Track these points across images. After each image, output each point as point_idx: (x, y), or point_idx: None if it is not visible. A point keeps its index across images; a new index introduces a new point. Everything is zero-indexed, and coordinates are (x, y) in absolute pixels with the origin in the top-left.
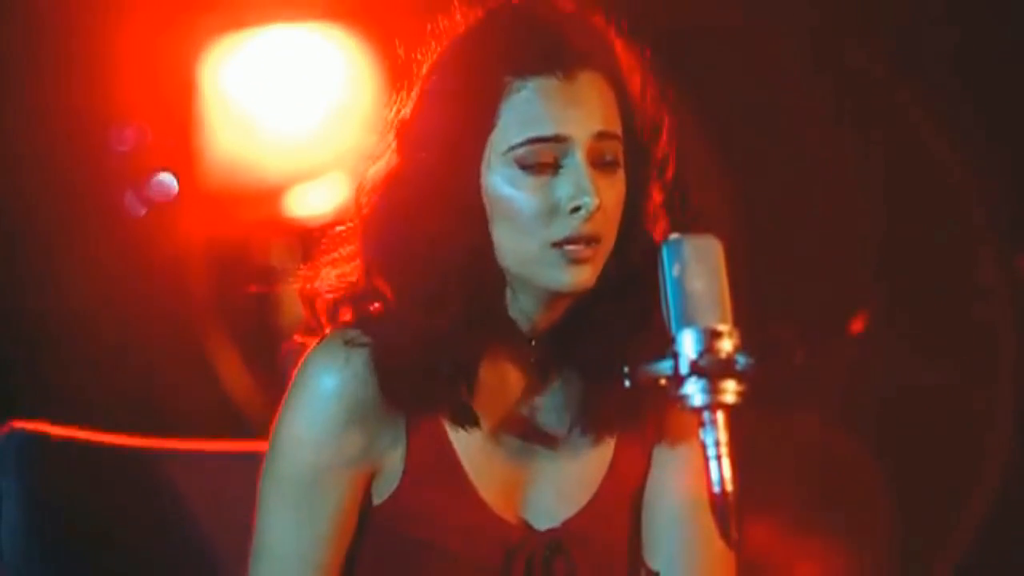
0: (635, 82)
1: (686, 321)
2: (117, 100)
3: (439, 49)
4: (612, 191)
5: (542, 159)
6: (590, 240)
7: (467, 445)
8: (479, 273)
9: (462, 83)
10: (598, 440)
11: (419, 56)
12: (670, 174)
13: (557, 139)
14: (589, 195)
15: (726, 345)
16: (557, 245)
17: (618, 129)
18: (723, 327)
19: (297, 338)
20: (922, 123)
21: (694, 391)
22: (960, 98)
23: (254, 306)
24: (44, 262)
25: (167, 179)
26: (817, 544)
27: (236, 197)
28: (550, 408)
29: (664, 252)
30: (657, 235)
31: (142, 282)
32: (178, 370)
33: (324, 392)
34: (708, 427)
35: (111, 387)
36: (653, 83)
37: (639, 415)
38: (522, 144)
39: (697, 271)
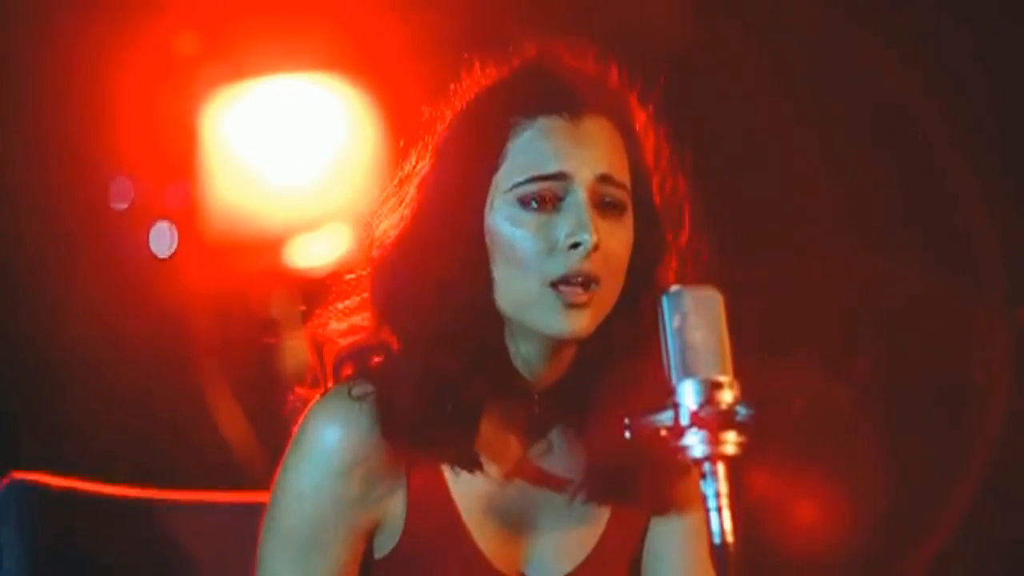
0: (648, 138)
1: (686, 372)
2: (118, 150)
3: (456, 103)
4: (616, 237)
5: (543, 197)
6: (587, 280)
7: (468, 500)
8: (480, 315)
9: (471, 126)
10: (597, 498)
11: (431, 112)
12: (685, 236)
13: (558, 177)
14: (587, 232)
15: (726, 396)
16: (554, 285)
17: (625, 178)
18: (723, 378)
19: (300, 391)
20: (926, 172)
21: (694, 442)
22: (972, 148)
23: (255, 357)
24: (46, 312)
25: (168, 229)
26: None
27: (237, 247)
28: (551, 464)
29: (664, 303)
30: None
31: (144, 332)
32: (179, 421)
33: (326, 446)
34: (709, 478)
35: (112, 438)
36: (667, 141)
37: (639, 477)
38: (524, 182)
39: (697, 322)
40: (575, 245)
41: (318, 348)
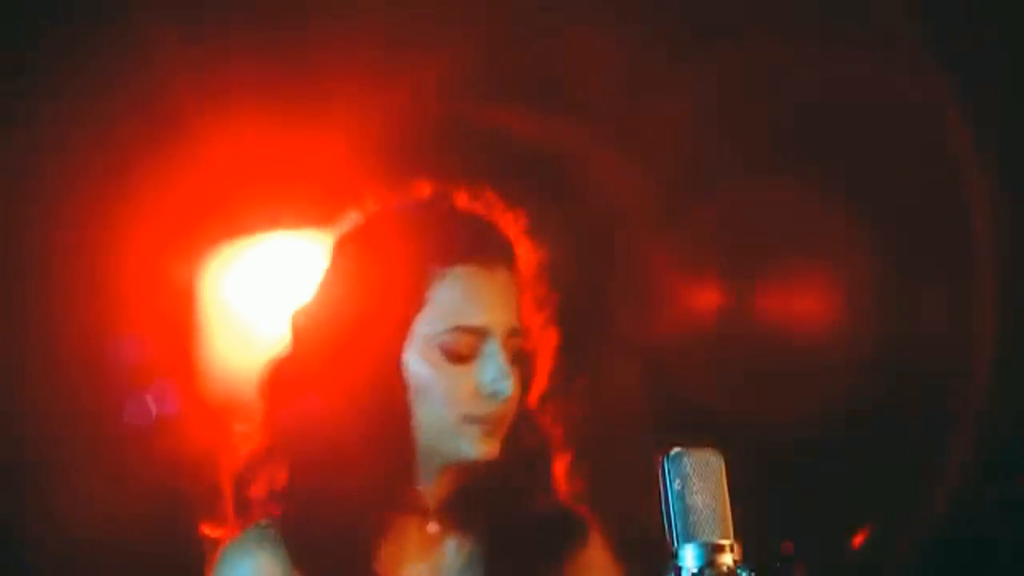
0: (536, 283)
1: (688, 535)
2: (117, 311)
3: (364, 233)
4: (518, 382)
5: (464, 347)
6: (501, 419)
7: None
8: (399, 444)
9: (391, 272)
10: None
11: (346, 246)
12: (553, 364)
13: (479, 330)
14: (508, 381)
15: (727, 560)
16: (470, 419)
17: (521, 324)
18: (725, 541)
19: (207, 530)
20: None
21: None
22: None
23: None
24: (42, 473)
25: (167, 390)
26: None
27: (237, 408)
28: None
29: (666, 466)
30: (544, 420)
31: (144, 494)
32: None
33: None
34: None
35: None
36: (549, 287)
37: None
38: (447, 331)
39: (698, 486)
40: (496, 392)
41: (230, 482)
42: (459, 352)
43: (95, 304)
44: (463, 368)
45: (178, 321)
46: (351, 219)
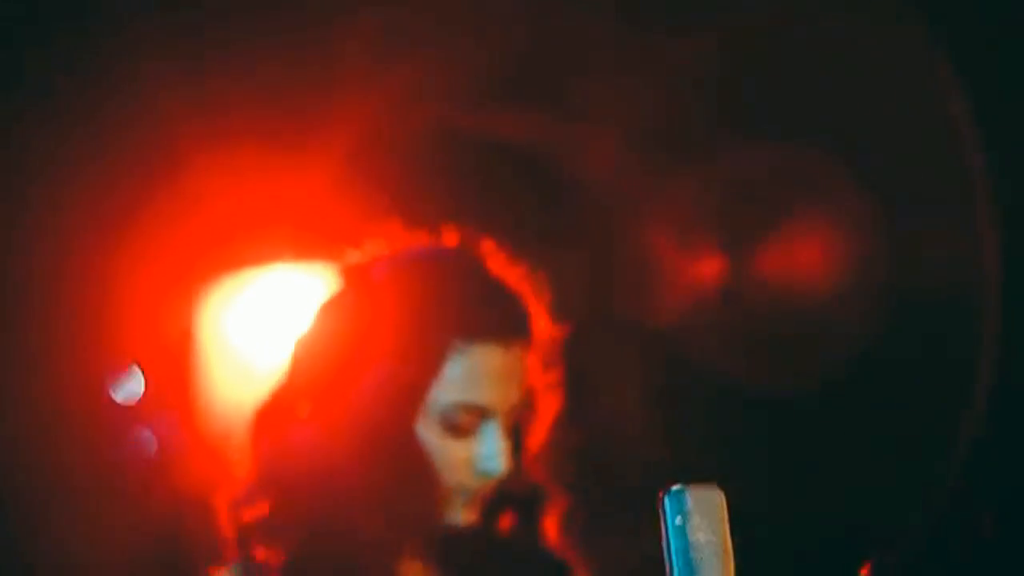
0: (546, 348)
1: (690, 573)
2: (116, 346)
3: (388, 272)
4: (509, 454)
5: (464, 423)
6: (484, 491)
7: None
8: (426, 514)
9: (411, 333)
10: None
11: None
12: (552, 423)
13: (483, 410)
14: (500, 462)
15: None
16: (458, 490)
17: (525, 397)
18: None
19: (211, 572)
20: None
21: None
22: None
23: None
24: (43, 511)
25: (166, 426)
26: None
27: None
28: None
29: (666, 502)
30: (536, 474)
31: (144, 532)
32: None
33: None
34: None
35: None
36: (560, 359)
37: None
38: (451, 406)
39: (700, 523)
40: (487, 470)
41: (228, 520)
42: (458, 427)
43: (94, 340)
44: (459, 442)
45: (179, 357)
46: (371, 249)
